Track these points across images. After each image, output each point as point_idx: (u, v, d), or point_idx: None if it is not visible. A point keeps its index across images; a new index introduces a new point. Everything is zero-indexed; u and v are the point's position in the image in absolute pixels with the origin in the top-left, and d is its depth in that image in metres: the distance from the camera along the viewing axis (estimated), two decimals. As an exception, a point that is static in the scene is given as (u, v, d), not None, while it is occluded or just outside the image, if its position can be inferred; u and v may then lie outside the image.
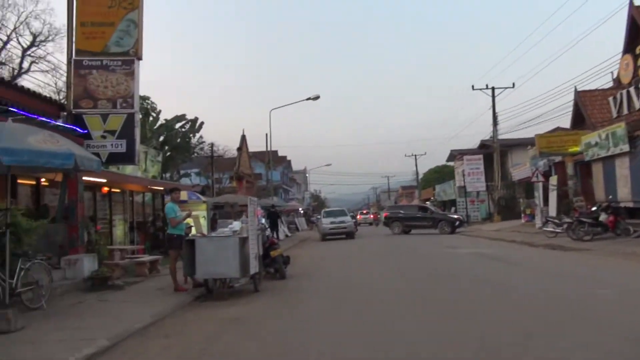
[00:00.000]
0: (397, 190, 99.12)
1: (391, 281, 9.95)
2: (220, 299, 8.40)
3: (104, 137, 10.56)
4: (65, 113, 10.67)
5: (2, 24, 29.26)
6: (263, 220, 12.60)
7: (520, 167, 30.15)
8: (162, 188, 18.18)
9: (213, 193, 34.28)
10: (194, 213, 16.76)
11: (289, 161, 75.77)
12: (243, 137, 41.41)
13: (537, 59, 38.32)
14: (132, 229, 16.48)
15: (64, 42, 16.94)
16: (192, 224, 12.66)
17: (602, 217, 15.73)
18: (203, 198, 22.36)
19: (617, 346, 4.69)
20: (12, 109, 7.93)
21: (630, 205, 16.59)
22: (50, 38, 30.59)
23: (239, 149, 40.03)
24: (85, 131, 10.36)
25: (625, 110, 18.51)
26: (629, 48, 19.16)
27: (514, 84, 32.89)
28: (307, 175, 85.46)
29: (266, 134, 36.02)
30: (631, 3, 18.83)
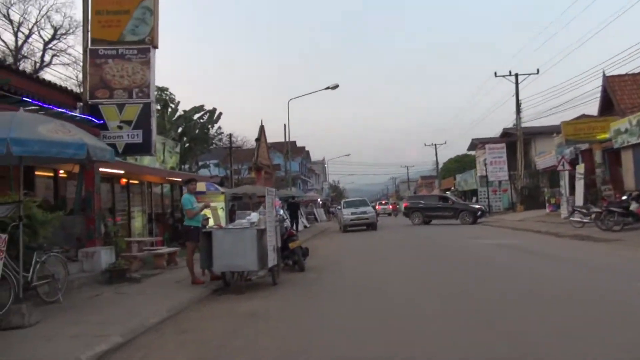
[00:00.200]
0: (416, 180, 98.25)
1: (414, 274, 9.61)
2: (238, 292, 8.19)
3: (120, 127, 10.40)
4: (81, 104, 10.52)
5: (24, 18, 29.54)
6: (281, 212, 12.34)
7: (545, 156, 29.38)
8: (180, 179, 18.05)
9: (232, 184, 34.27)
10: (212, 204, 16.64)
11: (308, 152, 75.54)
12: (261, 128, 41.17)
13: (563, 44, 37.25)
14: (150, 220, 16.42)
15: (84, 35, 16.82)
16: (210, 215, 12.51)
17: (633, 206, 15.11)
18: (221, 189, 22.24)
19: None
20: (26, 99, 7.79)
21: (663, 194, 15.92)
22: (71, 31, 30.81)
23: (258, 140, 39.83)
24: (102, 121, 10.22)
25: (657, 95, 17.76)
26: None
27: (538, 70, 32.05)
28: (325, 165, 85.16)
29: (284, 125, 35.72)
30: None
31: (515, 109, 32.14)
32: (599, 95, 24.67)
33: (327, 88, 33.08)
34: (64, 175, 12.47)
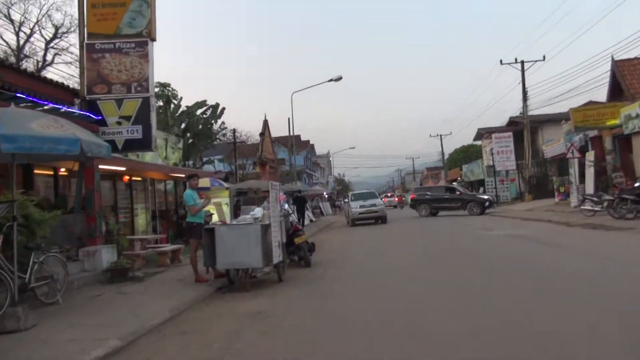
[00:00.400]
0: (422, 171, 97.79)
1: (425, 269, 9.31)
2: (242, 290, 7.95)
3: (119, 123, 10.15)
4: (79, 100, 10.28)
5: (25, 17, 29.36)
6: (286, 206, 12.09)
7: (553, 144, 28.93)
8: (183, 175, 17.82)
9: (236, 179, 34.05)
10: (216, 200, 16.38)
11: (312, 145, 75.24)
12: (265, 122, 40.94)
13: (570, 29, 36.59)
14: (154, 217, 16.20)
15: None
16: (214, 211, 12.27)
17: (646, 193, 14.75)
18: (226, 184, 22.02)
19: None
20: (20, 95, 7.55)
21: (677, 180, 15.54)
22: (72, 29, 30.53)
23: (262, 134, 39.60)
24: (100, 117, 9.98)
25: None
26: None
27: (544, 57, 31.55)
28: (330, 159, 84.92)
29: (288, 118, 35.45)
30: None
31: (522, 97, 31.67)
32: (607, 80, 24.20)
33: (331, 80, 32.76)
34: (65, 174, 12.26)
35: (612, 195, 15.94)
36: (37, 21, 29.79)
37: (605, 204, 15.90)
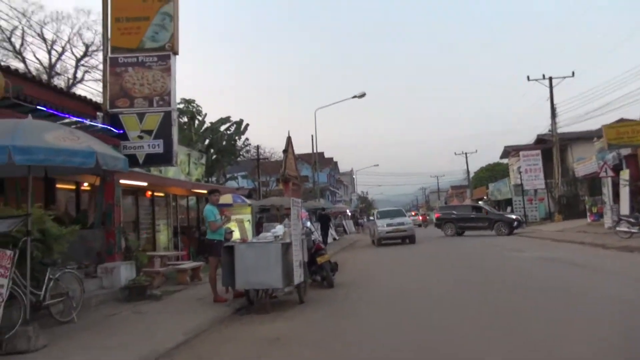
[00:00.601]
0: (446, 190, 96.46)
1: (454, 292, 8.78)
2: (262, 311, 7.60)
3: (140, 137, 10.01)
4: (101, 113, 10.20)
5: (57, 36, 30.16)
6: (308, 224, 11.74)
7: (585, 162, 27.98)
8: (205, 191, 17.69)
9: (259, 196, 33.93)
10: (238, 217, 16.15)
11: (336, 163, 75.00)
12: (289, 139, 40.79)
13: (600, 45, 35.77)
14: (176, 234, 16.05)
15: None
16: (235, 228, 12.00)
17: (688, 215, 13.95)
18: (248, 201, 21.83)
19: None
20: (40, 107, 7.45)
21: None
22: (101, 47, 31.17)
23: (285, 151, 39.44)
24: (122, 131, 9.86)
25: None
26: None
27: (573, 73, 30.76)
28: (354, 176, 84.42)
29: (312, 135, 35.35)
30: None
31: (550, 113, 30.91)
32: (641, 97, 23.36)
33: (354, 97, 32.57)
34: (87, 188, 12.20)
35: (650, 216, 15.15)
36: (69, 40, 30.57)
37: (644, 225, 15.12)
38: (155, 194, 14.83)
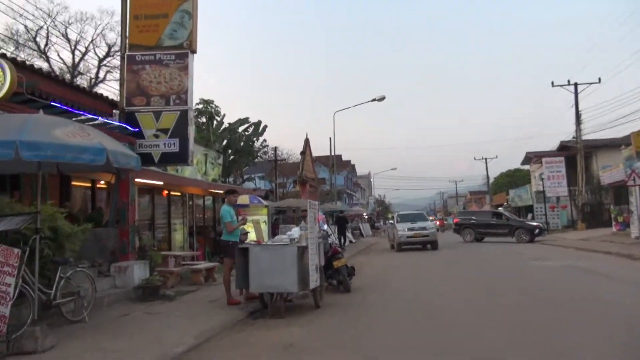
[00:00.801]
0: (465, 195, 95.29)
1: (475, 301, 8.40)
2: (276, 315, 7.37)
3: (156, 136, 9.91)
4: (117, 111, 10.12)
5: (81, 36, 30.55)
6: (325, 227, 11.48)
7: (611, 170, 27.21)
8: (222, 191, 17.57)
9: (276, 197, 33.80)
10: (254, 218, 15.98)
11: (353, 165, 74.63)
12: (306, 141, 40.65)
13: (628, 50, 34.87)
14: (192, 233, 15.94)
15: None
16: (250, 229, 11.80)
17: None
18: (265, 202, 21.67)
19: None
20: (54, 103, 7.35)
21: None
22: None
23: (303, 153, 39.31)
24: (137, 129, 9.76)
25: None
26: None
27: (599, 79, 29.98)
28: (371, 179, 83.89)
29: (330, 138, 35.11)
30: None
31: (575, 120, 30.22)
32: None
33: (374, 100, 32.23)
34: (103, 186, 12.15)
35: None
36: (92, 40, 30.95)
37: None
38: (172, 193, 14.74)
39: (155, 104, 9.98)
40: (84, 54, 31.19)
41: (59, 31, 29.55)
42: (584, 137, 30.78)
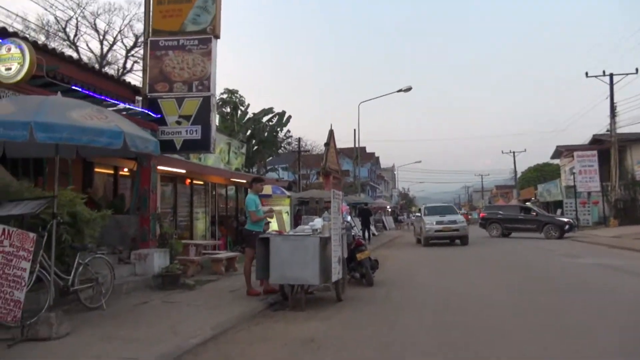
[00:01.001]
0: (491, 189, 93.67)
1: (505, 299, 7.99)
2: (296, 308, 7.15)
3: (178, 122, 9.75)
4: (140, 98, 10.01)
5: (109, 27, 30.86)
6: (349, 218, 11.21)
7: (648, 165, 26.24)
8: (245, 181, 17.44)
9: (300, 188, 33.65)
10: (276, 208, 15.83)
11: (377, 158, 74.06)
12: (331, 132, 40.24)
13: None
14: (214, 222, 15.87)
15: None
16: (272, 220, 11.61)
17: None
18: (287, 193, 21.50)
19: None
20: (75, 87, 7.23)
21: None
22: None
23: (327, 144, 38.99)
24: (159, 116, 9.62)
25: None
26: None
27: (637, 70, 28.78)
28: (395, 172, 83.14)
29: (354, 129, 34.69)
30: None
31: (610, 112, 29.10)
32: None
33: (400, 90, 31.66)
34: (126, 174, 12.12)
35: None
36: (120, 30, 31.22)
37: None
38: (194, 182, 14.67)
39: (178, 90, 9.82)
40: (112, 45, 31.51)
41: (88, 21, 29.88)
42: (619, 131, 29.67)
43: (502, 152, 61.71)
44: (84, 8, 29.08)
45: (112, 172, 11.57)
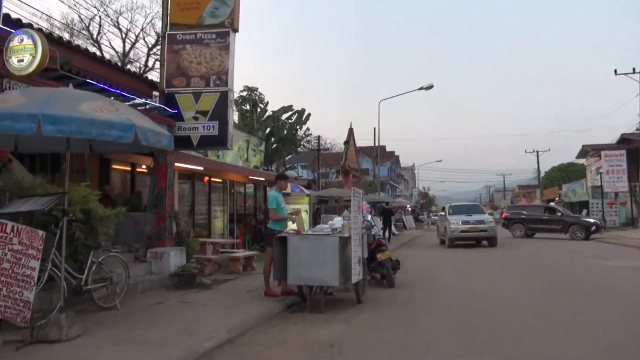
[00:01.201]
0: (513, 189, 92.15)
1: (533, 302, 7.59)
2: (315, 310, 6.87)
3: (195, 118, 9.56)
4: (157, 93, 9.84)
5: (132, 25, 31.02)
6: (369, 217, 10.89)
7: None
8: (263, 179, 17.26)
9: (319, 187, 33.41)
10: (295, 207, 15.60)
11: (397, 157, 73.44)
12: (350, 130, 39.97)
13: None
14: (232, 220, 15.70)
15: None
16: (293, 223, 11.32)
17: None
18: (306, 191, 21.27)
19: None
20: (90, 81, 7.07)
21: None
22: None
23: (346, 143, 38.67)
24: (176, 111, 9.44)
25: None
26: None
27: (669, 66, 27.80)
28: (415, 171, 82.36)
29: (374, 128, 34.30)
30: None
31: (639, 110, 28.14)
32: None
33: (421, 88, 31.12)
34: (144, 170, 11.99)
35: None
36: (142, 29, 31.34)
37: None
38: (213, 179, 14.51)
39: (195, 85, 9.63)
40: (134, 43, 31.63)
41: (111, 19, 30.06)
42: (648, 130, 28.73)
43: (525, 151, 60.50)
44: (107, 6, 29.27)
45: (129, 169, 11.45)
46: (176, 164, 10.51)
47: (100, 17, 29.24)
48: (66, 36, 26.57)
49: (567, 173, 55.66)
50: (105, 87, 7.36)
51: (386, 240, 15.09)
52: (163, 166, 9.38)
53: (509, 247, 18.89)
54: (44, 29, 10.19)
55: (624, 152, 31.91)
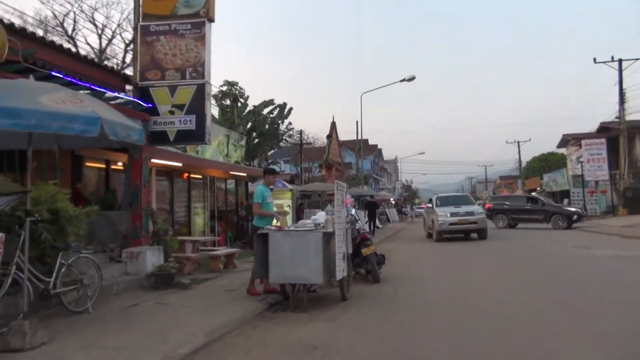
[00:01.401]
0: (494, 180, 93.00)
1: (522, 296, 7.40)
2: (299, 309, 6.62)
3: (171, 112, 9.19)
4: (131, 87, 9.45)
5: (108, 21, 30.23)
6: (353, 211, 10.66)
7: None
8: (245, 174, 16.92)
9: (302, 182, 33.14)
10: (278, 202, 15.27)
11: (380, 150, 73.45)
12: (333, 124, 39.63)
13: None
14: (213, 217, 15.34)
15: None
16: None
17: None
18: (289, 186, 20.98)
19: None
20: (56, 73, 6.67)
21: None
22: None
23: (329, 136, 38.39)
24: (150, 105, 9.06)
25: None
26: None
27: (646, 55, 28.06)
28: (398, 164, 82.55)
29: (357, 121, 34.17)
30: None
31: (619, 98, 28.44)
32: None
33: (403, 80, 30.99)
34: (120, 168, 11.58)
35: None
36: (119, 24, 30.62)
37: None
38: (192, 175, 14.13)
39: (171, 78, 9.26)
40: (110, 39, 30.89)
41: (86, 15, 29.27)
42: (628, 118, 29.00)
43: (507, 142, 61.01)
44: (81, 2, 28.50)
45: (104, 166, 11.03)
46: (153, 161, 10.14)
47: (75, 13, 28.48)
48: (40, 33, 25.80)
49: (548, 163, 56.33)
50: (73, 80, 6.96)
51: (371, 234, 14.92)
52: (138, 163, 9.02)
53: (494, 238, 18.86)
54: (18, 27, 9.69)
55: (604, 140, 32.22)
